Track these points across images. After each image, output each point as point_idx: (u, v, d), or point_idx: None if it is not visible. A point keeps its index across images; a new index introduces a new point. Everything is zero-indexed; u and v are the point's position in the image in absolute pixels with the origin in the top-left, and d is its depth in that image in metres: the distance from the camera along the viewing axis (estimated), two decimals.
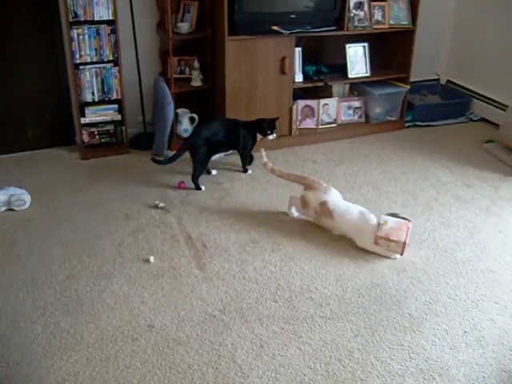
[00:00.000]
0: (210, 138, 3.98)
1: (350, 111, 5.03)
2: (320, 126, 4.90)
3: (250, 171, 4.26)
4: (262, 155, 3.72)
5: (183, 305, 2.85)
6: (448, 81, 5.82)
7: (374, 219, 3.31)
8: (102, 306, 2.83)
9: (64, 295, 2.90)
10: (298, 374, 2.44)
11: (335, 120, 4.95)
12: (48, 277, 3.04)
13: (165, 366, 2.47)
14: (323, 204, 3.41)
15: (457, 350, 2.60)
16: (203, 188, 4.05)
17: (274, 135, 4.13)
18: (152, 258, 3.19)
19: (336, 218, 3.38)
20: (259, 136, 4.14)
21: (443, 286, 3.04)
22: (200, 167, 4.03)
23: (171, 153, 4.42)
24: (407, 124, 5.24)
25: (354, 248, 3.34)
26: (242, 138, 4.12)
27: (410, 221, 3.35)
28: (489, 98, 5.35)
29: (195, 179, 4.03)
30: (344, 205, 3.44)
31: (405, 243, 3.18)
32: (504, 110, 4.93)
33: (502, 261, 3.27)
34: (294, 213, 3.66)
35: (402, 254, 3.24)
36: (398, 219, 3.33)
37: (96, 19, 4.10)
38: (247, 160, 4.27)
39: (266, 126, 4.08)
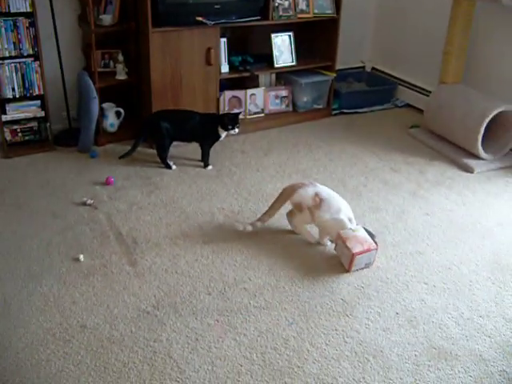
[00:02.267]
0: (168, 121, 4.02)
1: (278, 100, 5.05)
2: (248, 116, 4.91)
3: (210, 167, 4.18)
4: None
5: (116, 302, 2.79)
6: (373, 68, 5.93)
7: (347, 223, 3.15)
8: (32, 309, 2.74)
9: None
10: (235, 366, 2.44)
11: (263, 110, 4.97)
12: None
13: (99, 366, 2.42)
14: (316, 196, 3.16)
15: (389, 331, 2.66)
16: (174, 167, 4.13)
17: (237, 130, 4.09)
18: (82, 257, 3.11)
19: (323, 207, 3.14)
20: (222, 131, 4.09)
21: (374, 270, 3.09)
22: (161, 146, 4.12)
23: (98, 148, 4.37)
24: (334, 112, 5.29)
25: (285, 236, 3.36)
26: (204, 132, 4.10)
27: (376, 246, 3.09)
28: (413, 85, 5.47)
29: (162, 159, 4.15)
30: (337, 197, 3.22)
31: (353, 255, 2.98)
32: (427, 96, 5.06)
33: (429, 242, 3.36)
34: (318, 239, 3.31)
35: (349, 270, 3.05)
36: (368, 237, 3.12)
37: (12, 11, 3.93)
38: (208, 155, 4.19)
39: (227, 120, 4.03)
